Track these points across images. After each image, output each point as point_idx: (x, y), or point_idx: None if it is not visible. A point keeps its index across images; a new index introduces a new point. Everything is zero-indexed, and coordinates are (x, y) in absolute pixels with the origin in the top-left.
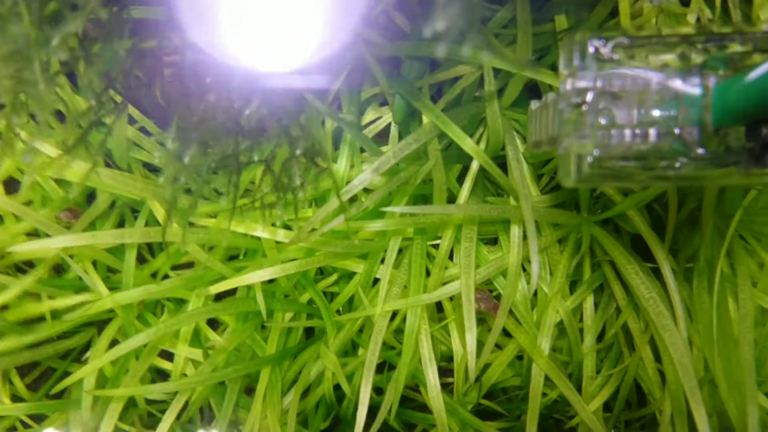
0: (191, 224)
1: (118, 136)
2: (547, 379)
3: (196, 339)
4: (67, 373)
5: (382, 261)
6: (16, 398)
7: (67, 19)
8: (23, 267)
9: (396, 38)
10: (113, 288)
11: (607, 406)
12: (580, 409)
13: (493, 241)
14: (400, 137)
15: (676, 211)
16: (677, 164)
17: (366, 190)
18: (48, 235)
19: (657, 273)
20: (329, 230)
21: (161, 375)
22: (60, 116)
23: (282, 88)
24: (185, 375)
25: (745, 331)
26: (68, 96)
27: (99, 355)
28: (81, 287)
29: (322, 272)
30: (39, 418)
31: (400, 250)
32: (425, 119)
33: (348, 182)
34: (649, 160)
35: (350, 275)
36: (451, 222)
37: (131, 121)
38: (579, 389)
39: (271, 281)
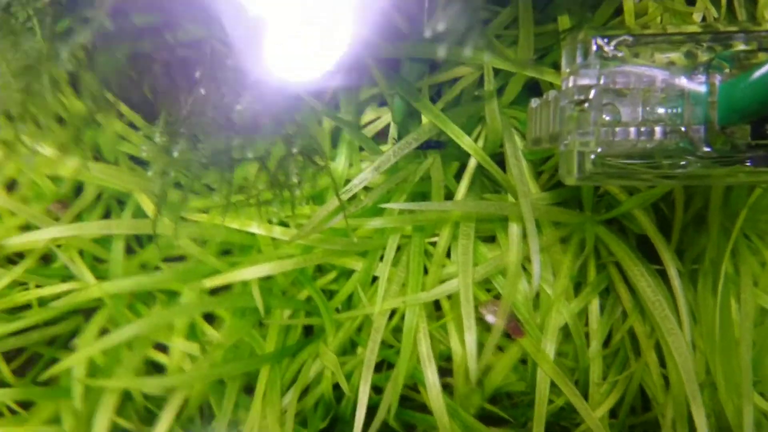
0: (183, 218)
1: (107, 132)
2: (553, 385)
3: (192, 333)
4: (54, 360)
5: (381, 258)
6: (2, 384)
7: (77, 32)
8: (14, 258)
9: (395, 39)
10: (101, 277)
11: (612, 412)
12: (586, 417)
13: (491, 239)
14: (400, 136)
15: (682, 210)
16: (683, 162)
17: (366, 189)
18: (38, 228)
19: (662, 274)
20: (328, 228)
21: (158, 368)
22: (58, 118)
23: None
24: (183, 369)
25: (744, 331)
26: (69, 101)
27: (88, 343)
28: (68, 276)
29: (320, 270)
30: (27, 405)
31: (398, 248)
32: (424, 119)
33: (347, 181)
34: (655, 158)
35: (349, 273)
36: (448, 219)
37: (119, 115)
38: (585, 396)
39: (268, 278)
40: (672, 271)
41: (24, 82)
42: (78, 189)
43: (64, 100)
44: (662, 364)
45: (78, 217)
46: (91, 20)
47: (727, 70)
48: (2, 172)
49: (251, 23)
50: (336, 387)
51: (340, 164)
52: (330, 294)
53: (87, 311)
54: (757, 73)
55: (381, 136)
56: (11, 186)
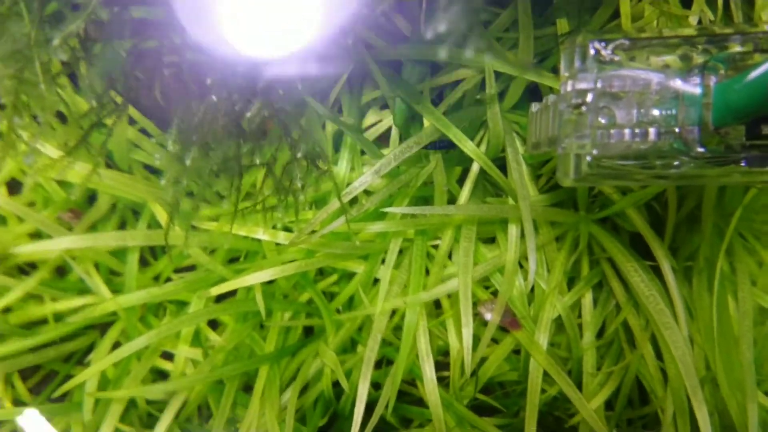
0: (193, 227)
1: (118, 137)
2: (545, 375)
3: (197, 339)
4: (69, 376)
5: (383, 261)
6: (17, 402)
7: (68, 18)
8: (25, 268)
9: (396, 41)
10: (116, 290)
11: (608, 405)
12: (580, 407)
13: (491, 240)
14: (401, 140)
15: (675, 209)
16: (676, 163)
17: (367, 192)
18: (50, 237)
19: (656, 271)
20: (329, 232)
21: (161, 375)
22: (61, 117)
23: (281, 86)
24: (185, 374)
25: (744, 330)
26: (69, 97)
27: (101, 358)
28: (83, 289)
29: (322, 273)
30: None
31: (400, 251)
32: (426, 122)
33: (348, 184)
34: (649, 159)
35: (350, 275)
36: (450, 222)
37: (131, 121)
38: (579, 386)
39: (270, 282)
40: (666, 268)
41: (13, 69)
42: (91, 197)
43: (63, 95)
44: (660, 358)
45: (92, 227)
46: (82, 6)
47: (722, 72)
48: (1, 171)
49: (253, 28)
50: (335, 384)
51: (342, 168)
52: (331, 296)
53: (103, 326)
54: (753, 74)
55: (383, 140)
56: (14, 189)
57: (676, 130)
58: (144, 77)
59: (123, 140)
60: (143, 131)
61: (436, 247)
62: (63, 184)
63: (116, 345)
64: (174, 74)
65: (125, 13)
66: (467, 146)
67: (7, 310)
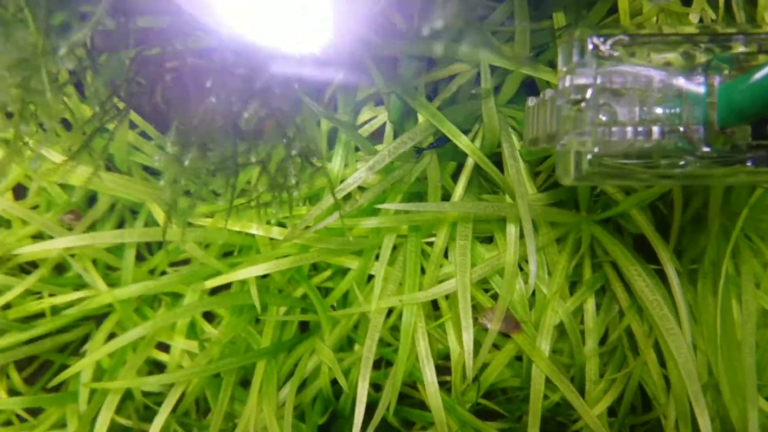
0: (189, 224)
1: (119, 141)
2: (548, 381)
3: (192, 331)
4: (64, 366)
5: (377, 258)
6: (12, 392)
7: (74, 28)
8: (27, 268)
9: (392, 37)
10: (112, 284)
11: (611, 411)
12: (583, 413)
13: (489, 240)
14: (395, 136)
15: (681, 210)
16: (682, 162)
17: (361, 188)
18: (51, 237)
19: (660, 274)
20: (324, 227)
21: (158, 367)
22: (65, 123)
23: (278, 86)
24: (182, 367)
25: (747, 333)
26: (74, 104)
27: (97, 348)
28: (81, 284)
29: (316, 268)
30: (35, 412)
31: (394, 248)
32: (420, 118)
33: (342, 181)
34: (653, 158)
35: (345, 271)
36: (445, 219)
37: (132, 125)
38: (582, 392)
39: (265, 276)
40: (670, 271)
41: (20, 77)
42: (91, 199)
43: (69, 103)
44: (662, 364)
45: (91, 227)
46: (89, 17)
47: (726, 72)
48: (8, 177)
49: (249, 26)
50: (334, 383)
51: (336, 165)
52: (326, 292)
53: (98, 317)
54: (758, 75)
55: (377, 136)
56: (20, 194)
57: (681, 129)
58: (146, 83)
59: (123, 144)
60: (143, 134)
61: (431, 244)
62: (65, 186)
63: (112, 336)
64: (175, 78)
65: (131, 23)
66: (461, 141)
67: (7, 306)
